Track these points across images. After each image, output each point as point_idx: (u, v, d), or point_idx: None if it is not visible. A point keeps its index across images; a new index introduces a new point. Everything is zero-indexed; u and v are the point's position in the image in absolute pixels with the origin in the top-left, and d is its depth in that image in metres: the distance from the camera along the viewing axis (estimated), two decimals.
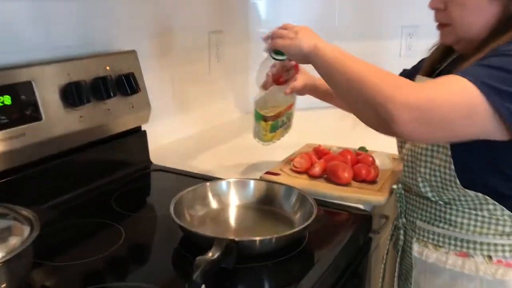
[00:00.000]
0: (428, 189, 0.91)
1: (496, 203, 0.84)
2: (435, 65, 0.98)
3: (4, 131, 0.91)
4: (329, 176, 1.11)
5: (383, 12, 1.97)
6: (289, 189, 0.99)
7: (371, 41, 1.95)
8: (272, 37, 0.98)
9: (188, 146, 1.47)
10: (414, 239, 0.95)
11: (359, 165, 1.13)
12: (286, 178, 1.13)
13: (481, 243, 0.87)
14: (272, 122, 1.12)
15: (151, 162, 1.28)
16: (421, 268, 0.94)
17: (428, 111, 0.72)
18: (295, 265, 0.82)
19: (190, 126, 1.57)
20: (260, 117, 1.12)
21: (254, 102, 1.12)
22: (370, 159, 1.17)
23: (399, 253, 1.01)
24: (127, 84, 1.15)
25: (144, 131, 1.26)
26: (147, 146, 1.28)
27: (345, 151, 1.21)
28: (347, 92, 0.83)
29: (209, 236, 0.80)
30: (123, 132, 1.19)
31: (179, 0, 1.46)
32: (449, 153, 0.84)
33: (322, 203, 1.03)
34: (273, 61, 1.05)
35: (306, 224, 0.85)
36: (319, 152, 1.22)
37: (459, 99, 0.72)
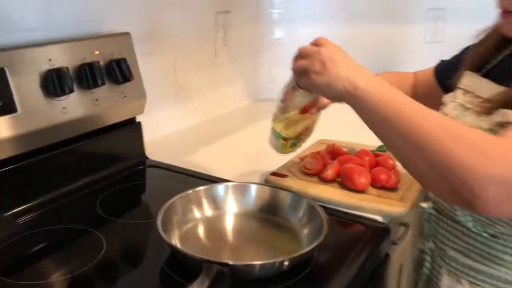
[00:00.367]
0: (469, 218, 0.74)
1: None
2: (485, 59, 0.81)
3: None
4: (344, 180, 0.98)
5: None
6: (297, 197, 0.86)
7: (392, 25, 1.79)
8: (294, 69, 0.78)
9: (189, 139, 1.34)
10: (444, 270, 0.81)
11: (378, 168, 1.00)
12: (295, 181, 1.00)
13: None
14: (293, 141, 0.95)
15: (146, 157, 1.16)
16: None
17: None
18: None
19: (191, 116, 1.44)
20: (279, 136, 0.92)
21: (273, 116, 0.93)
22: (391, 162, 1.03)
23: (423, 280, 0.88)
24: (118, 71, 1.02)
25: (139, 123, 1.14)
26: (142, 139, 1.16)
27: (362, 152, 1.07)
28: (403, 150, 0.64)
29: (198, 258, 0.68)
30: (114, 124, 1.07)
31: None
32: None
33: (333, 213, 0.90)
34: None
35: (314, 244, 0.72)
36: (333, 152, 1.08)
37: None
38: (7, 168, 0.87)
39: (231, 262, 0.66)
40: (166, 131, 1.33)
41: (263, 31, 1.70)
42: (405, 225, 1.03)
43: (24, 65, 0.88)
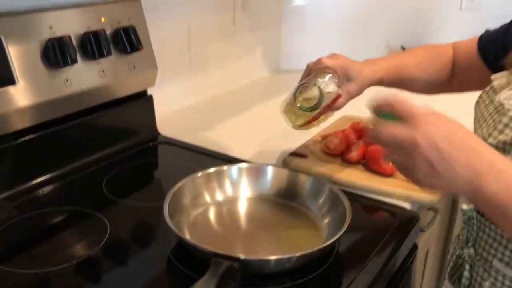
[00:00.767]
0: None
1: None
2: None
3: None
4: (369, 163, 0.90)
5: None
6: (319, 183, 0.78)
7: None
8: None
9: (203, 114, 1.27)
10: (488, 283, 0.71)
11: None
12: (315, 162, 0.92)
13: None
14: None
15: (158, 133, 1.09)
16: None
17: None
18: (321, 287, 0.64)
19: (207, 89, 1.36)
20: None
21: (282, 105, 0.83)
22: None
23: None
24: (126, 40, 0.95)
25: (150, 96, 1.07)
26: (154, 114, 1.08)
27: None
28: None
29: (207, 250, 0.61)
30: (122, 98, 1.00)
31: None
32: None
33: (357, 198, 0.83)
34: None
35: (335, 238, 0.64)
36: (359, 131, 0.99)
37: None
38: (7, 144, 0.81)
39: (242, 257, 0.59)
40: (179, 105, 1.25)
41: None
42: (434, 210, 0.94)
43: (22, 33, 0.81)
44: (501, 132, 0.65)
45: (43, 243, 0.71)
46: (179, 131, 1.10)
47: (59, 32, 0.84)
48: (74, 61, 0.85)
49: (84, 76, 0.89)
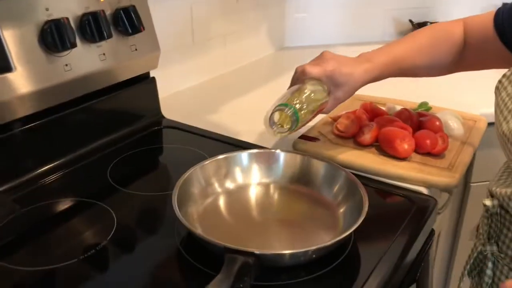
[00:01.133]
0: None
1: None
2: None
3: None
4: (383, 146, 0.86)
5: None
6: (333, 169, 0.74)
7: None
8: None
9: (208, 94, 1.23)
10: None
11: (423, 132, 0.87)
12: (327, 146, 0.89)
13: None
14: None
15: (162, 117, 1.05)
16: None
17: None
18: (339, 279, 0.61)
19: (211, 69, 1.32)
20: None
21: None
22: (437, 123, 0.90)
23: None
24: (127, 21, 0.90)
25: (153, 79, 1.03)
26: (157, 96, 1.05)
27: (404, 111, 0.94)
28: None
29: (221, 245, 0.58)
30: (125, 81, 0.96)
31: None
32: None
33: (371, 183, 0.80)
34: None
35: (353, 228, 0.62)
36: (371, 112, 0.96)
37: None
38: (7, 133, 0.78)
39: (257, 251, 0.56)
40: (183, 86, 1.22)
41: None
42: (449, 191, 0.92)
43: (17, 17, 0.76)
44: None
45: (47, 238, 0.69)
46: (184, 114, 1.06)
47: (56, 14, 0.80)
48: (74, 45, 0.81)
49: (84, 60, 0.85)
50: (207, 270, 0.60)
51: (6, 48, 0.75)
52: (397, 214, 0.75)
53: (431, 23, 1.67)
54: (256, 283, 0.57)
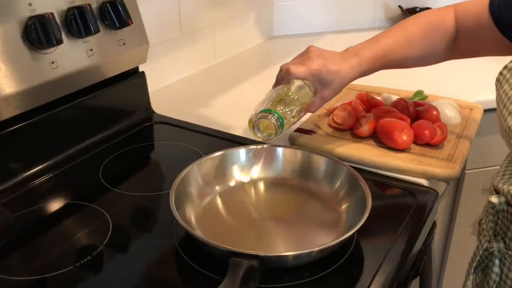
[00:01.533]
0: None
1: None
2: None
3: None
4: (381, 137, 0.85)
5: None
6: (334, 164, 0.73)
7: None
8: None
9: (199, 87, 1.20)
10: None
11: (421, 122, 0.86)
12: (324, 139, 0.87)
13: None
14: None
15: (153, 112, 1.02)
16: None
17: None
18: (342, 279, 0.60)
19: (201, 60, 1.29)
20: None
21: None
22: (435, 113, 0.89)
23: (490, 287, 0.74)
24: (114, 14, 0.87)
25: (142, 73, 1.00)
26: (147, 91, 1.02)
27: (401, 101, 0.93)
28: None
29: (224, 249, 0.56)
30: (114, 77, 0.93)
31: None
32: None
33: (371, 176, 0.78)
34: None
35: (357, 227, 0.60)
36: (367, 102, 0.94)
37: None
38: None
39: (261, 254, 0.55)
40: (173, 79, 1.19)
41: None
42: (446, 181, 0.91)
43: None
44: None
45: (39, 245, 0.66)
46: (175, 108, 1.04)
47: (40, 9, 0.76)
48: (59, 41, 0.77)
49: (71, 57, 0.82)
50: (208, 273, 0.59)
51: None
52: (398, 208, 0.74)
53: (421, 8, 1.66)
54: (260, 285, 0.56)
